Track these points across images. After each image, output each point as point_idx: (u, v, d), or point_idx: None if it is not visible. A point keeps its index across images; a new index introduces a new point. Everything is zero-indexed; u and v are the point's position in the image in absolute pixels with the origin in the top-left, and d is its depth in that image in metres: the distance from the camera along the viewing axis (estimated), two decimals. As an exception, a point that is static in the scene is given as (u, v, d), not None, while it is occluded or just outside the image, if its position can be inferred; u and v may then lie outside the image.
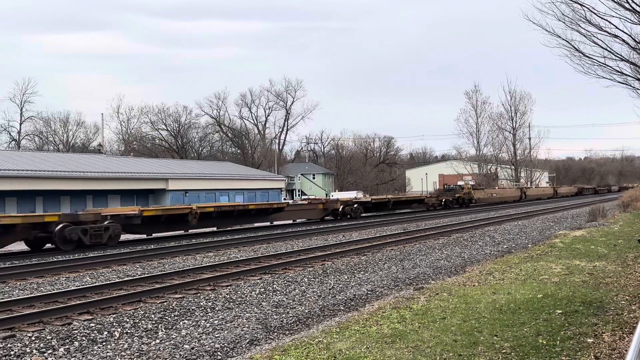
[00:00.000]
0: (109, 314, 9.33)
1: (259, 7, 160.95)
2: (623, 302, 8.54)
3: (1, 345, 7.57)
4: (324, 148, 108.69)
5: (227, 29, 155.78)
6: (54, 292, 11.05)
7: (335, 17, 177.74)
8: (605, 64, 14.49)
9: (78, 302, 10.02)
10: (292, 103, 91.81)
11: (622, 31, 13.25)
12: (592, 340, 6.54)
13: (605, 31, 13.28)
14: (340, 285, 11.95)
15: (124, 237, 21.68)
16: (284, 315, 9.43)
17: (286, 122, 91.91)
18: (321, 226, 28.24)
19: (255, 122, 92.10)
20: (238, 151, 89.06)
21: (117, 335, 8.24)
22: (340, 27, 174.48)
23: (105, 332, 8.32)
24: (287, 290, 11.37)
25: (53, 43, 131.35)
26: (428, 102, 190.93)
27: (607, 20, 12.97)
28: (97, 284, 12.12)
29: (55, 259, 16.54)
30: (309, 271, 13.59)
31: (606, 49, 13.92)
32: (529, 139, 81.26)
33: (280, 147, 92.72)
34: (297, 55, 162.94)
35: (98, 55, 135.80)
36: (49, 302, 10.20)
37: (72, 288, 11.59)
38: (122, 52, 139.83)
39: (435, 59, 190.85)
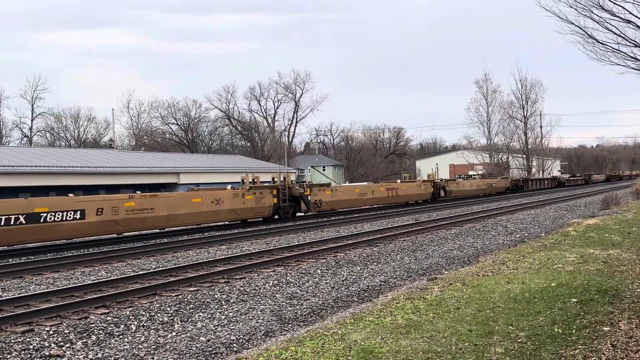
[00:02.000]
0: (125, 308, 9.42)
1: (267, 1, 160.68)
2: (639, 290, 8.49)
3: (20, 340, 7.68)
4: (333, 140, 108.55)
5: (236, 22, 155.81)
6: (70, 286, 11.16)
7: (346, 9, 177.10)
8: (619, 50, 14.29)
9: (94, 296, 10.12)
10: (301, 95, 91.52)
11: (636, 16, 13.06)
12: (608, 328, 6.51)
13: (618, 17, 13.08)
14: (353, 277, 11.97)
15: (137, 232, 21.82)
16: (298, 307, 9.47)
17: (295, 115, 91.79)
18: (332, 218, 28.26)
19: (265, 115, 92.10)
20: (248, 144, 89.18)
21: (134, 328, 8.33)
22: (350, 18, 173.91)
23: (122, 326, 8.41)
24: (301, 282, 11.42)
25: (61, 40, 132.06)
26: (438, 92, 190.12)
27: (620, 6, 12.79)
28: (112, 277, 12.22)
29: (70, 254, 16.70)
30: (322, 263, 13.63)
31: (620, 35, 13.73)
32: (540, 127, 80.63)
33: (290, 140, 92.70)
34: (305, 47, 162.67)
35: (107, 51, 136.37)
36: (66, 297, 10.32)
37: (88, 282, 11.70)
38: (131, 48, 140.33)
39: (445, 49, 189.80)
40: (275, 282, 11.41)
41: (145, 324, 8.51)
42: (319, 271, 12.57)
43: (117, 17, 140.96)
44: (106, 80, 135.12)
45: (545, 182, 68.70)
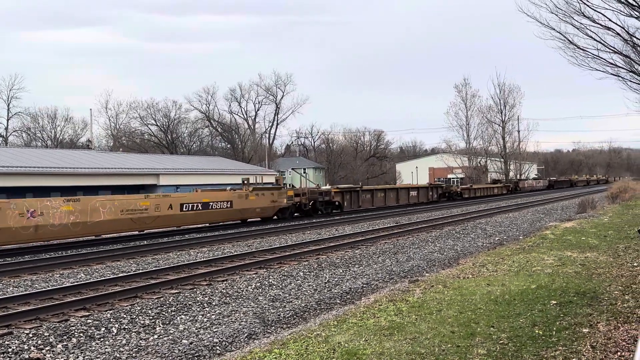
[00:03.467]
0: (106, 310, 9.32)
1: (250, 2, 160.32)
2: (616, 292, 8.66)
3: (-1, 343, 7.56)
4: (314, 142, 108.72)
5: (217, 23, 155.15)
6: (49, 288, 11.01)
7: (327, 11, 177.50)
8: (598, 56, 14.58)
9: (74, 298, 10.00)
10: (282, 97, 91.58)
11: (615, 23, 13.33)
12: (587, 330, 6.63)
13: (598, 23, 13.35)
14: (336, 279, 12.00)
15: (115, 233, 21.57)
16: (281, 309, 9.47)
17: (276, 117, 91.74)
18: (314, 220, 28.28)
19: (245, 116, 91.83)
20: (228, 146, 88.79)
21: (115, 331, 8.25)
22: (332, 21, 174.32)
23: (103, 328, 8.32)
24: (283, 285, 11.41)
25: (39, 40, 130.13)
26: (418, 95, 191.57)
27: (600, 13, 13.04)
28: (92, 280, 12.08)
29: (48, 256, 16.46)
30: (304, 265, 13.64)
31: (599, 42, 14.00)
32: (518, 131, 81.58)
33: (271, 142, 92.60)
34: (287, 49, 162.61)
35: (86, 50, 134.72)
36: (45, 299, 10.18)
37: (67, 284, 11.55)
38: (110, 47, 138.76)
39: (425, 53, 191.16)
40: (258, 284, 11.39)
41: (126, 327, 8.43)
42: (302, 273, 12.58)
43: (97, 16, 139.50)
44: (84, 80, 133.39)
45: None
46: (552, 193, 62.02)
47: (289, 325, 8.51)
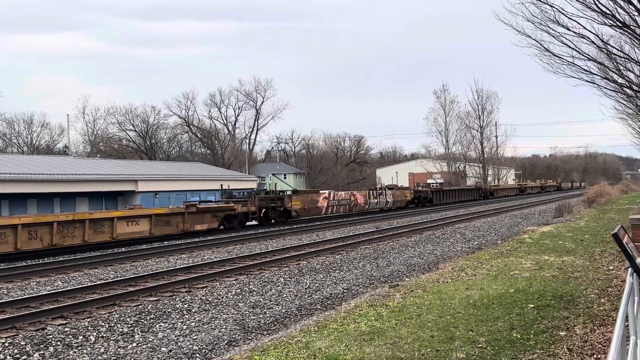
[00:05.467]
0: (84, 318, 9.20)
1: (230, 8, 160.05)
2: (592, 295, 8.80)
3: (-27, 353, 7.42)
4: (294, 148, 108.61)
5: (197, 29, 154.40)
6: (25, 297, 10.83)
7: (307, 18, 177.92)
8: (573, 64, 14.87)
9: (51, 306, 9.85)
10: (262, 103, 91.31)
11: (590, 31, 13.60)
12: (564, 333, 6.73)
13: (573, 32, 13.61)
14: (317, 285, 12.00)
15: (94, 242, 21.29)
16: (261, 315, 9.44)
17: (256, 122, 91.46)
18: (294, 226, 28.25)
19: (225, 122, 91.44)
20: (208, 152, 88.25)
21: (93, 339, 8.15)
22: (312, 27, 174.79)
23: (81, 337, 8.21)
24: (264, 291, 11.38)
25: (16, 44, 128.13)
26: (398, 101, 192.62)
27: (575, 21, 13.31)
28: (69, 288, 11.92)
29: (24, 264, 16.19)
30: (285, 271, 13.62)
31: (574, 49, 14.28)
32: (496, 137, 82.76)
33: (251, 147, 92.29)
34: (267, 55, 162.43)
35: (63, 56, 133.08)
36: (21, 307, 10.01)
37: (44, 292, 11.38)
38: (88, 52, 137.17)
39: (404, 59, 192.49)
40: (238, 290, 11.35)
41: (104, 335, 8.33)
42: (282, 279, 12.56)
43: (75, 21, 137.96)
44: (61, 86, 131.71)
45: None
46: (522, 199, 62.29)
47: (269, 332, 8.49)
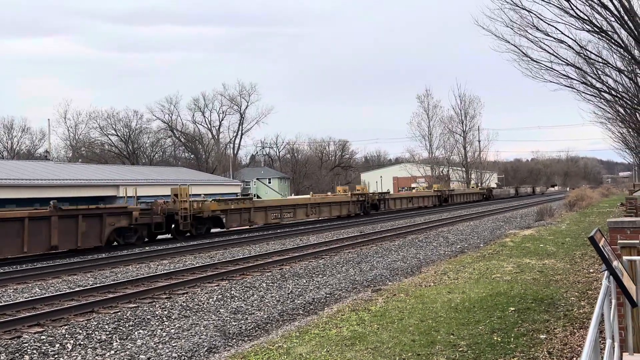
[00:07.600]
0: (61, 326, 9.04)
1: (215, 14, 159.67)
2: (573, 298, 8.84)
3: (-55, 363, 7.24)
4: (279, 152, 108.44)
5: (181, 34, 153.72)
6: (1, 304, 10.62)
7: (291, 23, 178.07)
8: (552, 68, 15.00)
9: (27, 314, 9.67)
10: (247, 107, 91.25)
11: (568, 37, 13.74)
12: (544, 336, 6.74)
13: (551, 37, 13.73)
14: (299, 290, 11.93)
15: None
16: (242, 321, 9.35)
17: (240, 127, 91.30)
18: (278, 231, 28.15)
19: (209, 126, 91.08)
20: (191, 156, 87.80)
21: (70, 347, 7.99)
22: (296, 32, 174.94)
23: (58, 345, 8.06)
24: (246, 296, 11.28)
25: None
26: (382, 106, 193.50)
27: (553, 26, 13.42)
28: (47, 295, 11.71)
29: (2, 270, 15.90)
30: (267, 276, 13.53)
31: (553, 54, 14.41)
32: (479, 141, 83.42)
33: (235, 152, 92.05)
34: (251, 60, 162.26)
35: (45, 60, 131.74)
36: (-4, 316, 9.80)
37: (21, 300, 11.17)
38: (70, 57, 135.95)
39: (388, 64, 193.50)
40: (220, 296, 11.23)
41: (82, 343, 8.18)
42: (265, 284, 12.47)
43: (57, 25, 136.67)
44: (42, 90, 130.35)
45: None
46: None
47: (250, 338, 8.40)
